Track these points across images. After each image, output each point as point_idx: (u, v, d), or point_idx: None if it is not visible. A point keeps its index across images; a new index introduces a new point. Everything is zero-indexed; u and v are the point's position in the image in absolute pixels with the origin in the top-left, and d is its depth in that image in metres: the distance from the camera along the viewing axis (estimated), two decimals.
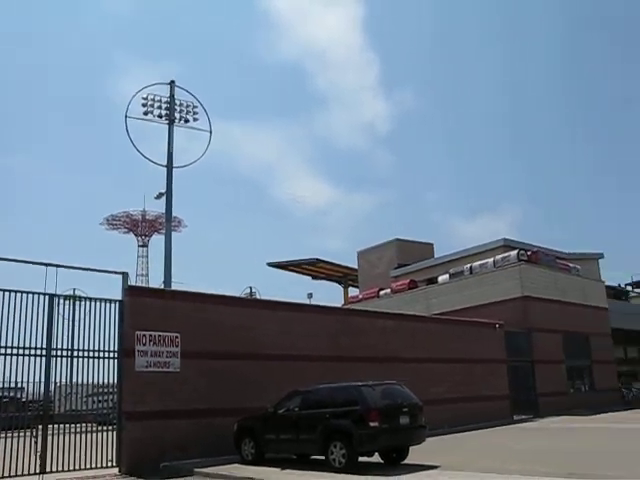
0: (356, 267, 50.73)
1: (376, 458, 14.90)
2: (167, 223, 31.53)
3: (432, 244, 47.49)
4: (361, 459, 14.30)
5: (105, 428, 16.44)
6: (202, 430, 16.90)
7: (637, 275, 78.67)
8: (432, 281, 38.95)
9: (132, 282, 18.68)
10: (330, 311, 23.13)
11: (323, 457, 14.60)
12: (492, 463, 14.12)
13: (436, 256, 44.58)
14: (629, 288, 59.62)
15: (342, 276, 59.09)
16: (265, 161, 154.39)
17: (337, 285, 62.21)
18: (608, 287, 42.74)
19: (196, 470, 15.28)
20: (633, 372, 45.59)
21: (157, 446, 16.15)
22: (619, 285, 56.32)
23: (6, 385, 15.04)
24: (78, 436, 15.56)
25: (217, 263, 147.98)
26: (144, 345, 16.60)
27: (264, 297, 24.91)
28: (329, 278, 61.09)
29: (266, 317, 19.51)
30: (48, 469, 15.01)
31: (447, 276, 37.26)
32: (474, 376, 26.35)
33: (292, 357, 19.44)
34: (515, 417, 28.29)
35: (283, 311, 20.20)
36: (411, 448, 15.00)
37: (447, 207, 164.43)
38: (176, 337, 17.15)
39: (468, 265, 36.05)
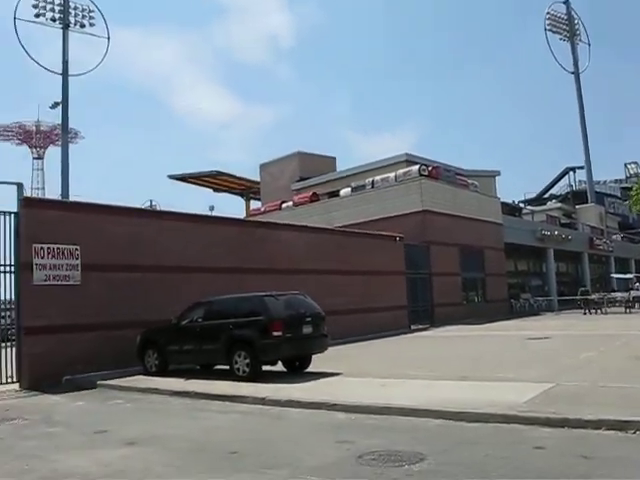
0: (258, 180, 50.47)
1: (279, 367, 15.23)
2: (63, 134, 30.35)
3: (334, 158, 47.67)
4: (265, 368, 14.60)
5: (4, 345, 16.07)
6: (105, 343, 16.72)
7: (529, 193, 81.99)
8: (334, 194, 39.21)
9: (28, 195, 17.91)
10: (232, 222, 23.02)
11: (227, 367, 14.81)
12: (392, 369, 14.68)
13: (338, 170, 44.83)
14: (522, 205, 62.04)
15: (244, 189, 58.71)
16: (165, 71, 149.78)
17: (239, 198, 61.85)
18: (503, 204, 44.30)
19: (99, 382, 15.22)
20: (521, 284, 47.95)
21: (59, 360, 15.90)
22: (513, 202, 58.49)
23: None
24: None
25: (117, 176, 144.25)
26: (42, 258, 16.10)
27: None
28: (231, 191, 60.56)
29: (168, 229, 19.23)
30: None
31: (349, 190, 37.61)
32: (374, 287, 27.03)
33: (195, 269, 19.34)
34: (412, 327, 29.41)
35: (185, 222, 19.93)
36: (314, 357, 15.41)
37: (348, 123, 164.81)
38: (76, 249, 16.70)
39: (370, 179, 36.48)
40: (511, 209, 50.88)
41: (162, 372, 15.93)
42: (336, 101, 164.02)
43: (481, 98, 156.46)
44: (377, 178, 36.07)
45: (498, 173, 46.60)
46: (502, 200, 44.07)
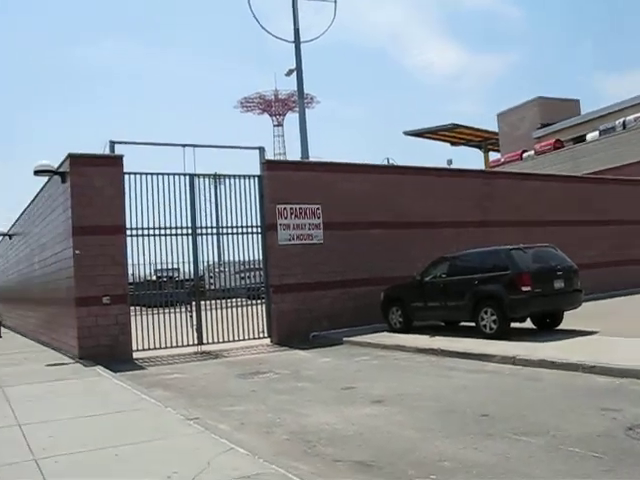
0: (496, 130, 48.71)
1: (528, 324, 14.40)
2: (299, 100, 31.01)
3: (577, 100, 44.54)
4: (512, 325, 13.86)
5: (255, 302, 16.88)
6: (349, 300, 17.02)
7: None
8: (579, 140, 36.75)
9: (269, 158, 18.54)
10: (473, 174, 22.21)
11: (472, 324, 14.34)
12: None
13: (582, 113, 41.82)
14: None
15: (481, 140, 56.96)
16: (392, 30, 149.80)
17: (476, 151, 60.23)
18: None
19: (345, 339, 15.47)
20: None
21: (305, 317, 16.46)
22: None
23: (164, 267, 15.67)
24: (230, 310, 16.13)
25: (352, 137, 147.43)
26: (285, 218, 16.61)
27: None
28: (468, 143, 59.07)
29: (407, 184, 18.98)
30: (205, 341, 15.71)
31: (596, 133, 35.01)
32: (631, 238, 24.82)
33: (435, 224, 18.92)
34: None
35: (424, 176, 19.58)
36: (566, 313, 14.39)
37: (590, 62, 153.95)
38: (317, 208, 17.05)
39: (620, 120, 33.56)
40: None
41: (406, 329, 15.86)
42: (574, 39, 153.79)
43: None
44: (629, 118, 33.05)
45: None
46: None
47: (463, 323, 15.38)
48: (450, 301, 14.79)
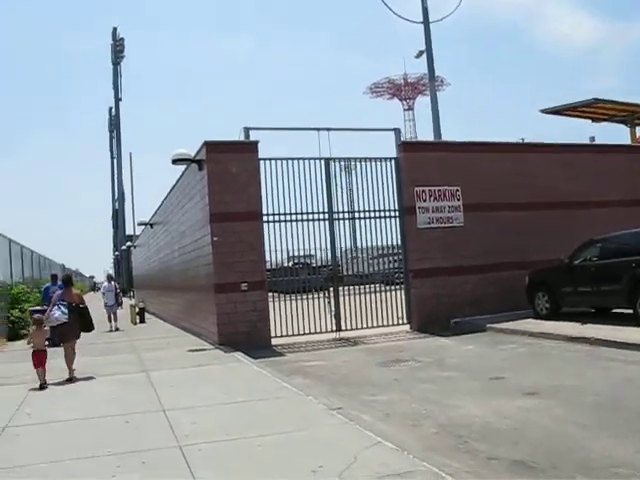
0: None
1: None
2: (430, 82, 30.20)
3: None
4: None
5: (392, 288, 16.47)
6: (491, 285, 16.27)
7: None
8: None
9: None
10: (622, 150, 20.82)
11: (627, 310, 13.27)
12: None
13: None
14: None
15: (627, 115, 53.51)
16: (522, 3, 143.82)
17: (621, 127, 56.83)
18: None
19: (488, 326, 14.82)
20: None
21: (446, 302, 15.91)
22: None
23: (299, 253, 15.57)
24: (368, 296, 15.84)
25: (484, 118, 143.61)
26: (424, 201, 16.11)
27: None
28: (611, 119, 55.74)
29: (551, 162, 17.93)
30: (342, 327, 15.48)
31: None
32: None
33: (581, 204, 17.74)
34: None
35: (569, 154, 18.43)
36: None
37: None
38: (457, 190, 16.41)
39: None
40: None
41: (553, 315, 14.98)
42: None
43: None
44: None
45: None
46: None
47: (615, 310, 14.34)
48: (603, 286, 13.72)
